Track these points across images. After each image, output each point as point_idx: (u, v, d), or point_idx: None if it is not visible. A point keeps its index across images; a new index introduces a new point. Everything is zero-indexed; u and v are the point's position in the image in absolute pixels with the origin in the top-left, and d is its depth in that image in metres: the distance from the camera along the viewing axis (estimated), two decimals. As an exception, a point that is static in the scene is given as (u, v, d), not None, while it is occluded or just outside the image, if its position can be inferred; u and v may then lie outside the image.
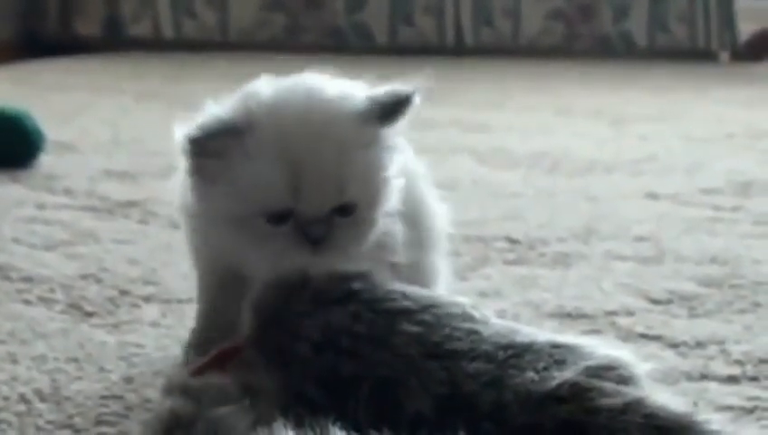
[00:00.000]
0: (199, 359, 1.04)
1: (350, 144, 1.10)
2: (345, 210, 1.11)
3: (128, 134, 2.63)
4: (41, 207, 1.91)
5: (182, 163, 1.13)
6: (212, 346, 1.04)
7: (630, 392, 0.91)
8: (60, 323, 1.34)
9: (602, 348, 0.96)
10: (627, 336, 1.34)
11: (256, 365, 0.99)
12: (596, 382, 0.92)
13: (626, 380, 0.93)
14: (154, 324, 1.35)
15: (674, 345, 1.31)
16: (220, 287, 1.18)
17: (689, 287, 1.54)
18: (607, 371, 0.93)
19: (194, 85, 3.34)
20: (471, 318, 0.99)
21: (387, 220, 1.15)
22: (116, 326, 1.34)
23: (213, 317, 1.20)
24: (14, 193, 2.00)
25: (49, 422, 1.07)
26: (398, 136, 1.15)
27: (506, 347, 0.95)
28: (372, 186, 1.12)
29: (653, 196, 2.16)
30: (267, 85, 1.14)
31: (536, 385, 0.91)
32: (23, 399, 1.12)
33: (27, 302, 1.42)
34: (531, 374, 0.92)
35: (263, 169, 1.09)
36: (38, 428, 1.06)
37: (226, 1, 4.59)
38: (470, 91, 3.72)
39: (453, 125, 2.92)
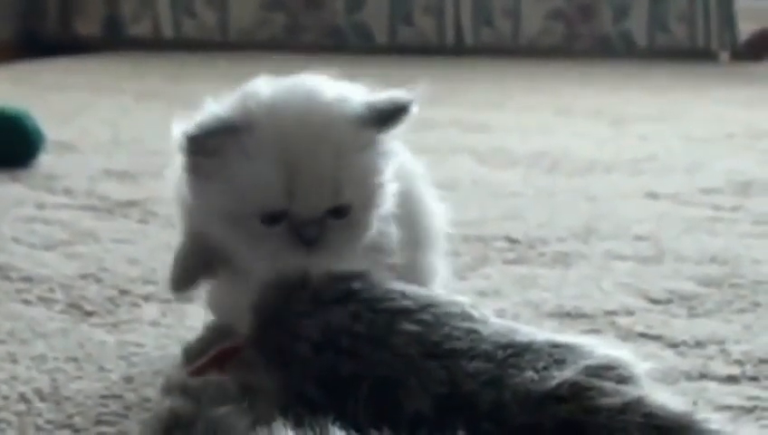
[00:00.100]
0: (199, 358, 1.04)
1: (347, 147, 1.10)
2: (339, 212, 1.11)
3: (128, 134, 2.63)
4: (40, 206, 1.91)
5: (178, 160, 1.13)
6: (211, 345, 1.04)
7: (630, 392, 0.91)
8: (59, 322, 1.34)
9: (602, 348, 0.96)
10: (626, 336, 1.34)
11: (256, 365, 0.99)
12: (595, 382, 0.91)
13: (625, 379, 0.93)
14: (154, 324, 1.35)
15: (673, 345, 1.31)
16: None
17: (689, 287, 1.54)
18: (606, 370, 0.93)
19: (194, 85, 3.34)
20: (470, 317, 0.99)
21: (381, 223, 1.15)
22: (116, 326, 1.34)
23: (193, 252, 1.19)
24: (13, 193, 2.00)
25: (48, 422, 1.07)
26: (394, 140, 1.15)
27: (506, 346, 0.95)
28: (367, 189, 1.12)
29: (653, 195, 2.16)
30: (266, 85, 1.14)
31: (536, 384, 0.91)
32: (22, 398, 1.12)
33: (27, 301, 1.42)
34: (530, 374, 0.92)
35: (259, 169, 1.08)
36: (38, 427, 1.06)
37: (226, 1, 4.60)
38: (470, 91, 3.72)
39: (453, 125, 2.92)
